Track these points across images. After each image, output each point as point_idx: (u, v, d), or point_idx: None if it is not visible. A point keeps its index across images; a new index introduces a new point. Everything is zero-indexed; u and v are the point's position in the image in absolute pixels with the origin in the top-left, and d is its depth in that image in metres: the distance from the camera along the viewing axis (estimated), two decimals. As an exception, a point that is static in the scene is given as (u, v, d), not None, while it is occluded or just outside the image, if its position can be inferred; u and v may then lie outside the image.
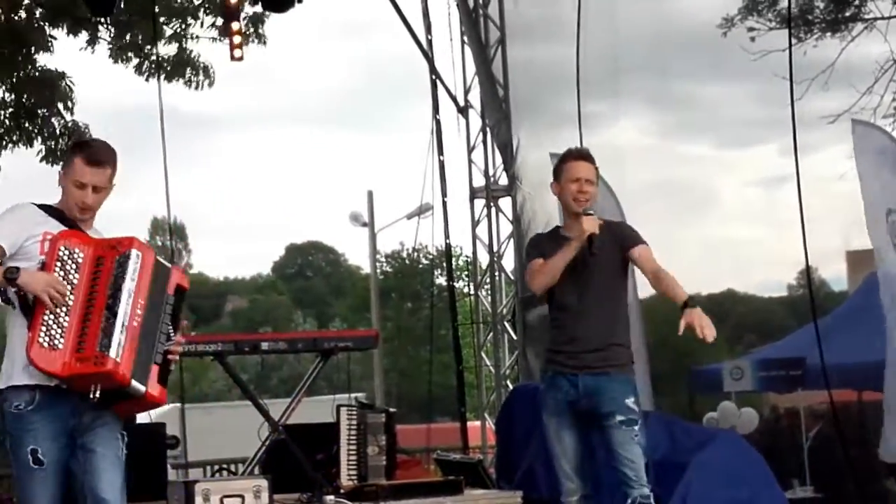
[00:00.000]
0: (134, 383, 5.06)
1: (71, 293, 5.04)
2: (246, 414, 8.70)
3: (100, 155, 5.38)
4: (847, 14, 16.80)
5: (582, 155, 6.60)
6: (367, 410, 7.96)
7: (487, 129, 13.02)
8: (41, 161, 14.44)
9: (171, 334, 5.28)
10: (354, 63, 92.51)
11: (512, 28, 12.67)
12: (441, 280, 14.49)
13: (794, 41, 15.84)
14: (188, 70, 14.48)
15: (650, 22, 11.96)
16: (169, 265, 5.36)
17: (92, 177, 5.32)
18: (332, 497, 7.33)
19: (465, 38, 13.12)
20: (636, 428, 6.31)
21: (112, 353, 4.98)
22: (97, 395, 5.01)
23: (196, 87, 14.57)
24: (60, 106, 14.36)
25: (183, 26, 14.55)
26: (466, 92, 13.25)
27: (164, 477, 8.05)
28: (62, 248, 5.09)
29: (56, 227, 5.23)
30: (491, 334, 13.27)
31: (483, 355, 13.43)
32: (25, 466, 5.11)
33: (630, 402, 6.33)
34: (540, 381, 6.65)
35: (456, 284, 15.37)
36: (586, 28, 11.22)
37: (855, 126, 11.03)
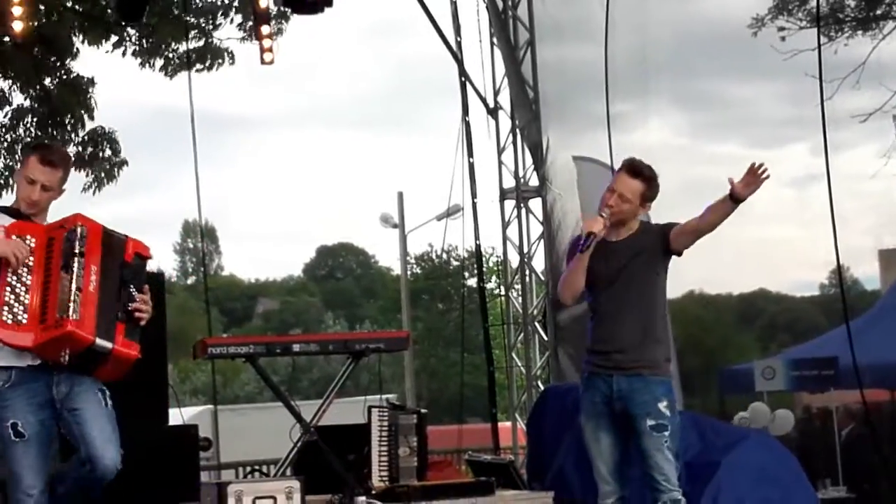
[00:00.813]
0: (98, 341, 5.38)
1: (28, 273, 5.38)
2: (278, 415, 8.72)
3: (53, 156, 5.71)
4: (878, 12, 16.72)
5: (633, 169, 6.45)
6: (398, 412, 7.96)
7: (517, 131, 13.03)
8: (75, 169, 14.53)
9: (134, 294, 5.57)
10: (384, 65, 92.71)
11: (541, 29, 12.68)
12: (471, 281, 14.50)
13: (824, 40, 15.80)
14: (209, 57, 14.56)
15: (679, 22, 11.97)
16: (122, 236, 5.65)
17: (42, 175, 5.61)
18: (363, 498, 7.33)
19: (495, 40, 13.13)
20: (667, 434, 6.26)
21: (70, 313, 5.28)
22: (66, 358, 5.35)
23: (216, 69, 14.65)
24: (85, 114, 14.45)
25: (211, 24, 14.63)
26: (496, 93, 13.26)
27: (196, 479, 8.09)
28: (14, 238, 5.41)
29: (9, 221, 5.56)
30: (522, 335, 13.28)
31: (514, 356, 13.43)
32: (7, 440, 5.40)
33: (662, 405, 6.29)
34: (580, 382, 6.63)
35: (486, 285, 15.37)
36: (615, 28, 11.21)
37: None
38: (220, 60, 14.68)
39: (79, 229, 5.44)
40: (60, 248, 5.40)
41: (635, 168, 6.44)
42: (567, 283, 6.41)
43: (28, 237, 5.44)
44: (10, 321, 5.33)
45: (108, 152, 14.66)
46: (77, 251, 5.40)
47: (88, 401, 5.50)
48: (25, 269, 5.39)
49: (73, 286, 5.34)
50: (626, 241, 6.42)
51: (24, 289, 5.38)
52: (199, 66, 14.49)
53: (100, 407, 5.54)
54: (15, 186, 5.81)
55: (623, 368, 6.30)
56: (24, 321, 5.34)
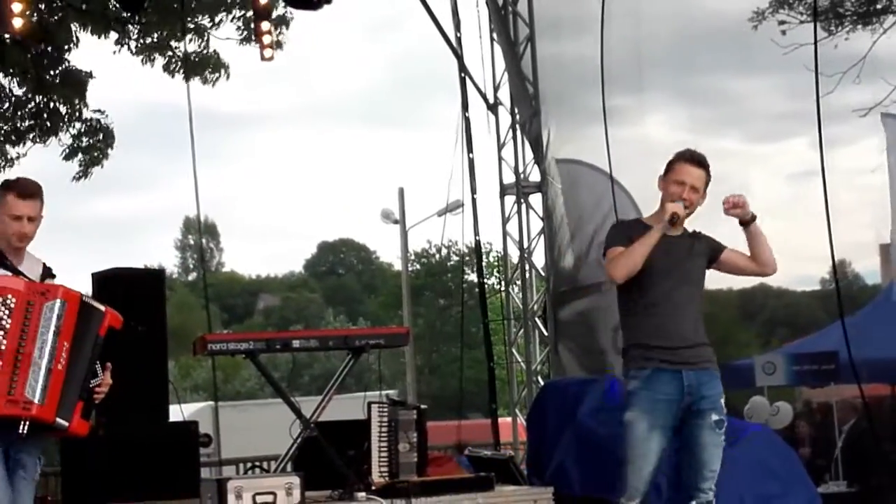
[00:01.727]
0: (58, 420, 5.49)
1: (3, 338, 5.41)
2: (278, 411, 8.72)
3: (29, 188, 5.84)
4: (878, 6, 16.70)
5: (696, 159, 6.37)
6: (398, 407, 7.96)
7: (517, 126, 13.03)
8: (64, 159, 14.67)
9: (99, 373, 5.67)
10: (384, 61, 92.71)
11: (541, 24, 12.68)
12: (472, 277, 14.50)
13: (824, 34, 15.75)
14: (207, 69, 14.63)
15: (676, 15, 11.90)
16: (101, 308, 5.71)
17: (25, 209, 5.76)
18: (363, 494, 7.34)
19: (495, 35, 13.13)
20: (723, 431, 6.26)
21: (37, 398, 5.39)
22: (25, 430, 5.43)
23: (212, 85, 14.73)
24: (81, 105, 14.52)
25: (210, 21, 14.66)
26: (496, 89, 13.26)
27: (196, 475, 8.10)
28: None
29: None
30: (522, 330, 13.28)
31: (514, 351, 13.43)
32: None
33: (723, 402, 6.30)
34: (626, 375, 6.40)
35: (487, 281, 15.36)
36: (612, 22, 11.21)
37: (885, 119, 11.00)
38: (217, 75, 14.73)
39: (58, 305, 5.51)
40: (38, 321, 5.48)
41: (697, 158, 6.38)
42: (629, 261, 6.19)
43: (9, 297, 5.47)
44: None
45: (101, 139, 14.75)
46: (53, 329, 5.48)
47: (27, 467, 5.71)
48: (1, 333, 5.44)
49: (44, 367, 5.43)
50: (683, 239, 6.39)
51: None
52: (196, 74, 14.53)
53: (32, 477, 5.75)
54: None
55: (691, 363, 6.21)
56: None
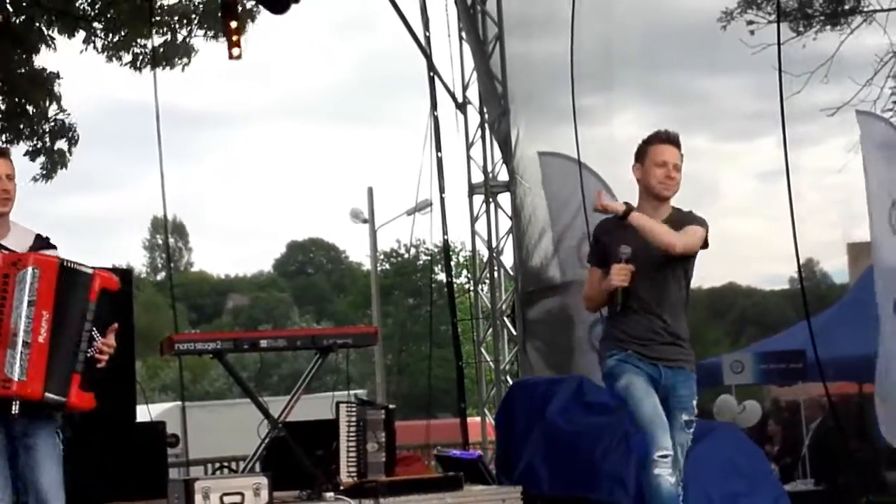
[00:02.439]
0: (48, 396, 5.28)
1: None
2: (246, 411, 8.69)
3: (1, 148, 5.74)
4: (846, 7, 16.79)
5: (670, 139, 6.26)
6: (366, 407, 7.95)
7: (486, 125, 13.03)
8: (30, 160, 14.63)
9: (97, 338, 5.45)
10: (353, 59, 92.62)
11: (509, 23, 12.69)
12: (441, 276, 14.53)
13: (792, 34, 15.83)
14: (175, 57, 14.62)
15: (645, 14, 11.94)
16: (89, 271, 5.46)
17: (3, 167, 5.58)
18: (331, 494, 7.33)
19: (464, 34, 13.13)
20: (692, 431, 6.22)
21: (16, 375, 5.20)
22: (17, 410, 5.26)
23: (182, 69, 14.73)
24: (49, 106, 14.48)
25: (177, 22, 14.66)
26: (465, 88, 13.27)
27: (164, 475, 8.07)
28: None
29: None
30: (490, 330, 13.28)
31: (483, 351, 13.43)
32: None
33: (695, 403, 6.25)
34: (603, 362, 6.26)
35: (456, 280, 15.35)
36: (580, 21, 11.21)
37: (859, 116, 11.05)
38: (185, 60, 14.70)
39: (30, 272, 5.29)
40: (13, 291, 5.27)
41: (673, 137, 6.28)
42: (590, 304, 6.43)
43: None
44: None
45: (64, 144, 14.73)
46: (27, 299, 5.26)
47: (44, 442, 5.48)
48: None
49: (20, 341, 5.23)
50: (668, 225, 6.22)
51: None
52: (164, 63, 14.50)
53: (53, 451, 5.51)
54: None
55: (670, 360, 6.15)
56: None
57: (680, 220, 6.23)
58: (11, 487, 5.50)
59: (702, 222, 6.25)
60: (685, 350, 6.22)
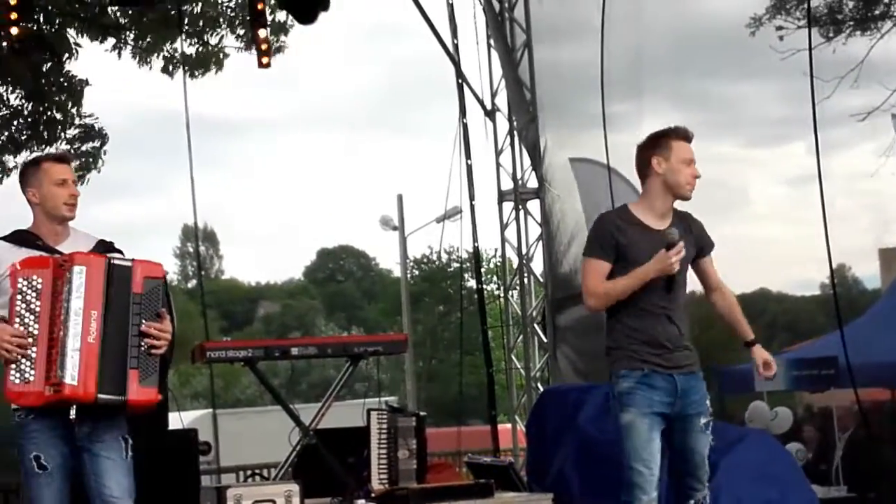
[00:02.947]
0: (103, 397, 5.18)
1: (35, 321, 5.19)
2: (278, 419, 8.72)
3: (63, 153, 5.82)
4: (876, 12, 16.74)
5: (689, 136, 6.12)
6: (397, 414, 7.96)
7: (514, 132, 13.04)
8: None
9: (146, 328, 5.31)
10: (382, 66, 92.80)
11: (538, 30, 12.68)
12: (471, 283, 14.52)
13: (821, 40, 15.81)
14: (210, 62, 14.71)
15: (675, 21, 11.95)
16: (128, 264, 5.36)
17: (68, 172, 5.59)
18: (362, 501, 7.35)
19: (492, 42, 13.15)
20: (710, 430, 6.13)
21: (67, 378, 5.11)
22: (73, 416, 5.18)
23: (214, 72, 14.81)
24: (74, 110, 14.60)
25: (208, 30, 14.75)
26: (493, 95, 13.28)
27: (196, 483, 8.09)
28: (21, 280, 5.24)
29: (20, 253, 5.39)
30: (521, 337, 13.28)
31: (513, 358, 13.43)
32: (31, 473, 5.27)
33: (708, 403, 6.17)
34: (616, 378, 6.04)
35: (486, 287, 15.34)
36: (610, 28, 11.21)
37: (894, 121, 11.01)
38: (216, 65, 14.78)
39: (75, 272, 5.22)
40: (62, 295, 5.19)
41: (689, 134, 6.14)
42: (609, 298, 6.01)
43: (35, 278, 5.23)
44: (17, 380, 5.17)
45: (96, 143, 14.83)
46: (76, 300, 5.18)
47: (110, 450, 5.36)
48: (32, 318, 5.21)
49: (70, 343, 5.14)
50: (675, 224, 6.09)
51: (32, 340, 5.18)
52: (195, 71, 14.59)
53: (120, 459, 5.39)
54: (41, 201, 5.54)
55: (682, 367, 6.03)
56: (32, 378, 5.16)
57: (693, 227, 6.18)
58: None
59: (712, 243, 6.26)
60: (693, 353, 6.15)
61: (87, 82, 14.70)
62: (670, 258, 5.86)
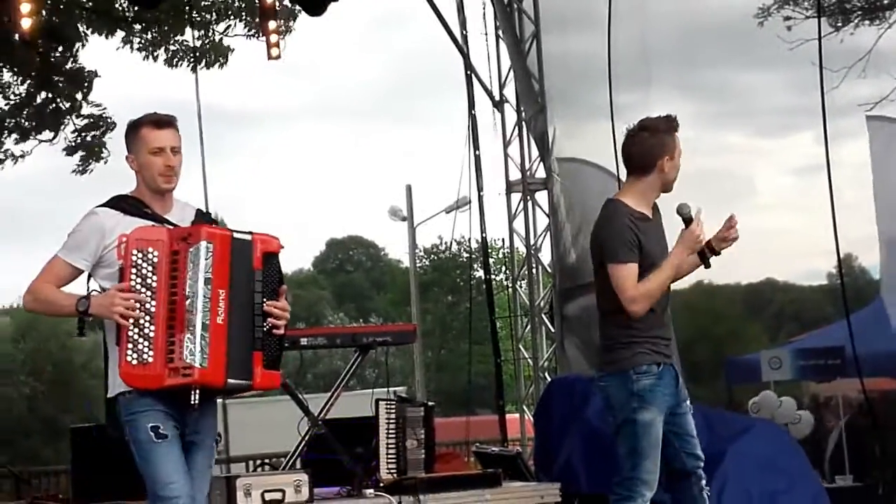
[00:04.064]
0: (231, 382, 4.91)
1: (152, 298, 4.85)
2: (287, 409, 8.74)
3: (164, 117, 5.21)
4: (885, 1, 16.74)
5: (678, 124, 6.17)
6: (405, 404, 7.99)
7: (523, 123, 13.05)
8: (67, 155, 14.80)
9: (267, 307, 5.03)
10: (390, 57, 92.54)
11: (546, 21, 12.67)
12: (479, 273, 14.51)
13: (830, 29, 15.81)
14: (213, 54, 14.77)
15: (682, 11, 11.96)
16: (248, 237, 5.03)
17: (167, 139, 5.15)
18: (371, 490, 7.38)
19: (500, 33, 13.15)
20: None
21: (198, 361, 4.80)
22: (196, 399, 4.86)
23: (220, 66, 14.85)
24: (83, 101, 14.67)
25: (216, 20, 14.81)
26: (502, 86, 13.28)
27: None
28: (135, 252, 4.89)
29: (131, 223, 5.03)
30: (529, 327, 13.31)
31: (521, 348, 13.45)
32: (148, 443, 4.92)
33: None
34: (635, 374, 5.98)
35: (494, 277, 15.35)
36: (617, 18, 11.22)
37: (870, 122, 11.05)
38: (221, 59, 14.84)
39: (203, 247, 4.87)
40: (185, 269, 4.85)
41: (677, 123, 6.17)
42: (654, 298, 5.99)
43: (150, 250, 4.87)
44: (134, 361, 4.84)
45: (103, 132, 14.89)
46: (203, 278, 4.85)
47: (203, 450, 5.11)
48: (149, 294, 4.86)
49: (199, 324, 4.81)
50: (658, 218, 6.19)
51: (148, 319, 4.84)
52: (204, 62, 14.64)
53: (209, 462, 5.17)
54: (139, 168, 5.15)
55: (671, 356, 6.14)
56: (150, 360, 4.83)
57: (659, 219, 6.25)
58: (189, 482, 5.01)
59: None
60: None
61: (96, 73, 14.76)
62: (695, 233, 5.91)
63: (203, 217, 5.31)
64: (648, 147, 6.10)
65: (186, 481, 4.95)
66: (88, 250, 5.04)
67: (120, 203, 5.14)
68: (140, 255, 4.88)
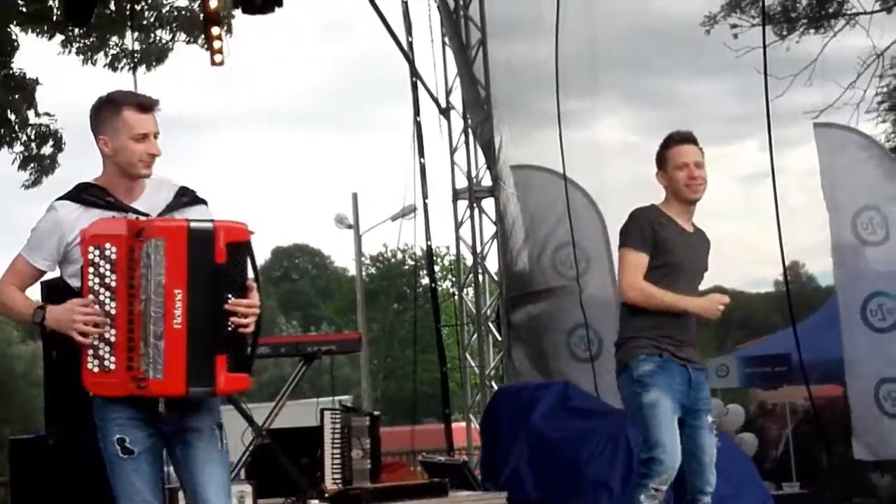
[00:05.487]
0: (193, 390, 4.53)
1: (112, 299, 4.52)
2: (230, 418, 8.62)
3: (147, 100, 4.82)
4: (829, 10, 16.85)
5: (685, 138, 6.20)
6: (350, 414, 7.96)
7: (469, 130, 13.02)
8: (19, 168, 14.63)
9: (231, 304, 4.59)
10: (336, 64, 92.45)
11: (492, 27, 12.66)
12: (425, 281, 14.46)
13: (775, 38, 15.90)
14: (153, 58, 14.69)
15: (630, 19, 11.93)
16: (208, 226, 4.57)
17: (150, 124, 4.78)
18: (316, 501, 7.35)
19: (446, 39, 13.11)
20: (715, 433, 6.15)
21: (152, 372, 4.48)
22: (162, 409, 4.60)
23: (156, 63, 14.78)
24: (31, 112, 14.51)
25: (156, 20, 14.72)
26: (448, 93, 13.23)
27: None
28: (91, 250, 4.54)
29: (88, 215, 4.70)
30: (475, 335, 13.26)
31: (468, 356, 13.41)
32: (115, 458, 4.69)
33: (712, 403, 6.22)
34: (634, 362, 5.99)
35: (442, 285, 15.29)
36: (564, 26, 11.22)
37: (816, 129, 11.10)
38: (162, 57, 14.75)
39: (153, 245, 4.49)
40: (139, 270, 4.48)
41: (686, 136, 6.22)
42: (650, 303, 6.03)
43: (108, 246, 4.52)
44: (96, 368, 4.55)
45: (50, 150, 14.74)
46: (157, 279, 4.47)
47: (202, 437, 4.74)
48: (108, 294, 4.53)
49: (154, 331, 4.47)
50: (700, 237, 6.27)
51: (109, 322, 4.53)
52: (143, 67, 14.56)
53: (214, 447, 4.77)
54: (114, 153, 4.76)
55: (693, 362, 6.09)
56: (112, 366, 4.53)
57: (702, 235, 6.31)
58: (161, 495, 4.77)
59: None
60: (698, 353, 6.25)
61: (37, 81, 14.59)
62: (717, 304, 6.04)
63: (183, 197, 4.87)
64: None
65: (154, 496, 4.70)
66: (48, 249, 4.76)
67: (81, 194, 4.80)
68: (97, 252, 4.55)
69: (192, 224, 4.57)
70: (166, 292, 4.48)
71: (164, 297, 4.48)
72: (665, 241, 6.05)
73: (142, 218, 4.67)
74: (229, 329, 4.58)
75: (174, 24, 14.85)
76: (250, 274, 4.72)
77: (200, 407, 4.73)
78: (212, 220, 4.61)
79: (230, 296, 4.58)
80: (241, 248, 4.62)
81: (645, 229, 6.07)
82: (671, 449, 5.87)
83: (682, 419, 6.01)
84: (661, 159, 6.20)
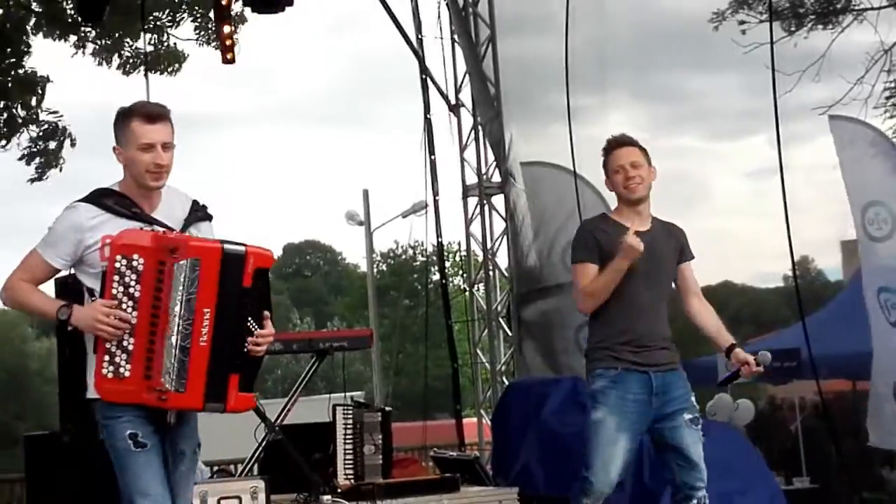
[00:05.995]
0: (209, 405, 4.67)
1: (134, 308, 4.62)
2: (243, 415, 8.68)
3: (156, 109, 4.88)
4: (837, 6, 16.85)
5: (620, 142, 6.22)
6: (362, 409, 7.99)
7: (479, 127, 13.05)
8: (25, 163, 14.70)
9: (253, 329, 4.74)
10: (346, 61, 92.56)
11: (502, 24, 12.69)
12: (436, 277, 14.48)
13: (783, 34, 15.90)
14: (165, 60, 14.72)
15: (638, 15, 11.98)
16: (240, 250, 4.69)
17: (157, 134, 4.81)
18: (328, 497, 7.35)
19: (456, 37, 13.15)
20: (700, 427, 6.16)
21: (173, 385, 4.58)
22: (172, 420, 4.75)
23: (172, 74, 14.80)
24: (39, 109, 14.56)
25: (171, 21, 14.75)
26: (458, 90, 13.27)
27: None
28: (119, 259, 4.62)
29: (117, 224, 4.76)
30: (486, 331, 13.30)
31: (478, 352, 13.45)
32: (126, 452, 4.71)
33: (693, 398, 6.21)
34: (591, 377, 6.14)
35: (452, 281, 15.32)
36: (574, 22, 11.25)
37: (832, 122, 11.11)
38: (176, 64, 14.79)
39: (189, 265, 4.59)
40: (170, 284, 4.57)
41: (620, 140, 6.24)
42: (598, 297, 6.06)
43: (135, 257, 4.59)
44: (110, 374, 4.61)
45: (55, 145, 14.80)
46: (187, 297, 4.57)
47: (185, 461, 4.89)
48: (131, 304, 4.60)
49: (178, 347, 4.57)
50: (657, 234, 6.22)
51: (128, 330, 4.60)
52: (156, 69, 14.59)
53: (192, 471, 4.96)
54: (126, 163, 4.84)
55: (661, 364, 6.08)
56: (127, 374, 4.61)
57: (673, 233, 6.30)
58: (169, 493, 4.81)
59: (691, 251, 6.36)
60: (673, 352, 6.20)
61: (48, 79, 14.65)
62: (629, 241, 5.92)
63: (197, 212, 4.99)
64: None
65: (164, 491, 4.75)
66: (65, 249, 4.79)
67: (103, 200, 4.83)
68: (124, 261, 4.62)
69: (226, 247, 4.68)
70: (196, 310, 4.60)
71: (194, 316, 4.60)
72: (604, 242, 6.08)
73: (168, 232, 4.77)
74: (245, 350, 4.73)
75: (183, 13, 14.88)
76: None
77: (189, 428, 4.90)
78: (244, 245, 4.73)
79: (250, 318, 4.71)
80: (263, 274, 4.77)
81: (588, 241, 6.16)
82: (601, 472, 5.97)
83: (654, 425, 6.08)
84: (604, 168, 6.27)
